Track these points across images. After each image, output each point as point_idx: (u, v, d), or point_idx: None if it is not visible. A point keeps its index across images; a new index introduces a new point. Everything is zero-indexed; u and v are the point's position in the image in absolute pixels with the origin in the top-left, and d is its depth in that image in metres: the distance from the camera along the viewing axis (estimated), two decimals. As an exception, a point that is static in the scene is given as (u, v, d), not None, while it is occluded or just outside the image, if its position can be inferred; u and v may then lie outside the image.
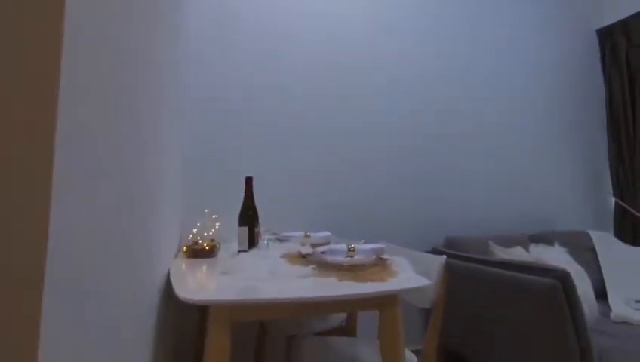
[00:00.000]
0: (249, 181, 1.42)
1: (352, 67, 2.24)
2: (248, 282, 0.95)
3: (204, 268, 1.13)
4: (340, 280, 0.97)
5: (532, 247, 1.98)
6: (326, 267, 1.09)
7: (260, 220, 1.40)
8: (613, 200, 2.76)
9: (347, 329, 1.56)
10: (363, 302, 0.95)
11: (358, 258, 1.11)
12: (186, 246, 1.36)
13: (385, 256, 1.20)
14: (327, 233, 1.69)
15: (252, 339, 1.72)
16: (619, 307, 1.91)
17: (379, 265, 1.11)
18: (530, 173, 2.61)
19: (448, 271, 1.12)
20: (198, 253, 1.35)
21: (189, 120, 1.85)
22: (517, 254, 1.84)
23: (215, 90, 1.97)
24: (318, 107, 2.17)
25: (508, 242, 2.14)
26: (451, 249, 2.06)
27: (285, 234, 1.68)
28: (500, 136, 2.53)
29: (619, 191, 2.70)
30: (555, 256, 1.98)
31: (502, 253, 1.80)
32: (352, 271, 1.06)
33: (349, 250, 1.14)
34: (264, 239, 1.39)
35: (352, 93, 2.23)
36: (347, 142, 2.20)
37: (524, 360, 1.48)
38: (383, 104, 2.28)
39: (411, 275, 1.02)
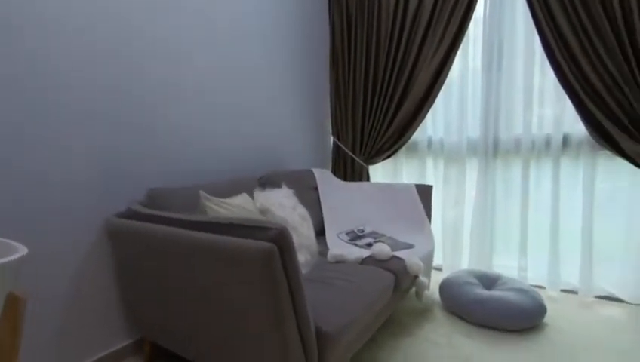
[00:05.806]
0: None
1: None
2: None
3: None
4: None
5: (257, 193, 1.62)
6: None
7: None
8: (332, 138, 2.91)
9: None
10: None
11: None
12: None
13: None
14: None
15: None
16: (333, 244, 1.90)
17: None
18: (263, 116, 2.28)
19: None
20: None
21: None
22: (236, 203, 1.41)
23: None
24: None
25: (235, 188, 1.72)
26: (153, 205, 1.40)
27: None
28: (225, 80, 2.00)
29: (336, 131, 2.85)
30: (281, 201, 1.71)
31: (215, 205, 1.31)
32: None
33: None
34: None
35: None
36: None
37: (237, 342, 1.08)
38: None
39: None
